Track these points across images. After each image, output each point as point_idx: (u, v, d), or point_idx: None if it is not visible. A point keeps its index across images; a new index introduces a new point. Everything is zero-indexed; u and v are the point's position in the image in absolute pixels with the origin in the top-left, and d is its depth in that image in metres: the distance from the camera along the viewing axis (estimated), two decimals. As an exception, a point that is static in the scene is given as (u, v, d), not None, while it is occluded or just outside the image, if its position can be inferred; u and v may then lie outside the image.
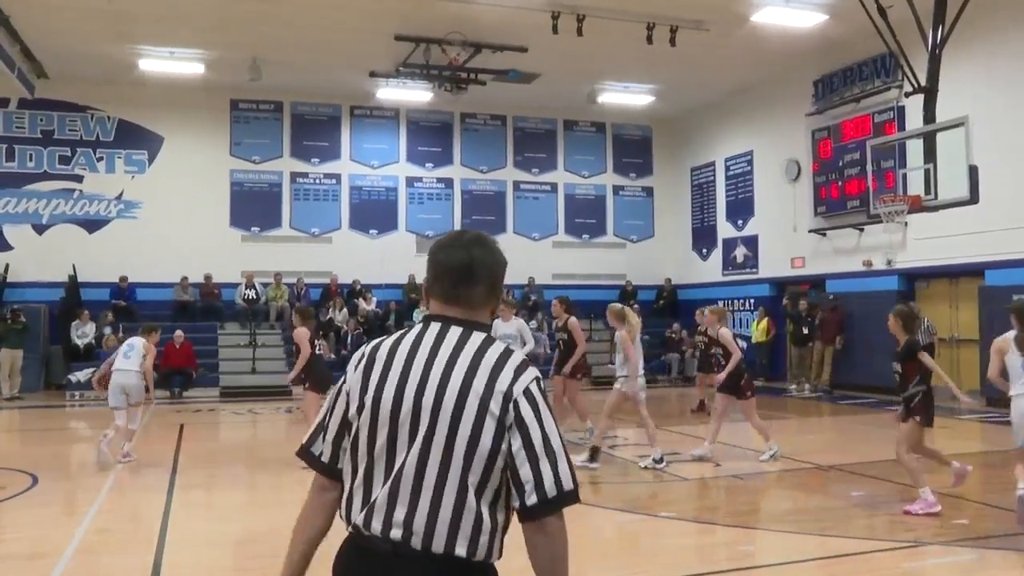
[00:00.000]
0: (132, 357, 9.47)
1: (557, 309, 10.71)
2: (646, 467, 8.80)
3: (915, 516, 6.64)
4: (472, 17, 14.86)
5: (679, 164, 22.99)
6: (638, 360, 8.80)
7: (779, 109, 19.06)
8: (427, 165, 21.57)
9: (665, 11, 14.64)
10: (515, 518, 1.96)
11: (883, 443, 10.17)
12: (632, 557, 6.00)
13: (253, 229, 20.20)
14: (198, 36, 16.15)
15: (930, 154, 11.44)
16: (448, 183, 21.68)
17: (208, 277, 19.21)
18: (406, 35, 15.82)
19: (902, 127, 15.23)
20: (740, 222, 20.76)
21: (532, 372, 1.97)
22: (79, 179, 19.19)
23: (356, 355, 2.10)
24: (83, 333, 17.50)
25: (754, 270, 20.24)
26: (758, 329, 18.73)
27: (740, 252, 20.70)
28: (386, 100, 20.42)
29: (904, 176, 12.44)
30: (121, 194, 19.41)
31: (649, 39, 15.07)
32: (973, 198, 10.81)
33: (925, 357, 6.95)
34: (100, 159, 19.33)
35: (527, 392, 1.93)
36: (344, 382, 2.08)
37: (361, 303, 19.38)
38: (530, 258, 21.24)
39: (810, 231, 18.14)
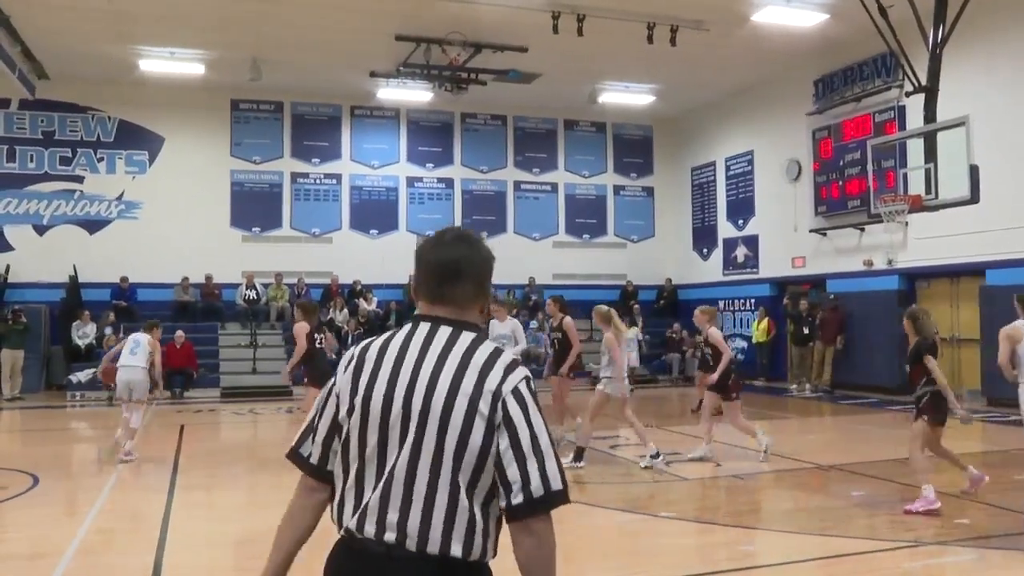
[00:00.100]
0: (138, 353, 9.48)
1: (552, 308, 10.66)
2: (646, 467, 8.82)
3: (916, 516, 6.64)
4: (472, 17, 14.85)
5: (679, 164, 22.98)
6: (623, 362, 8.90)
7: (780, 109, 19.05)
8: (427, 165, 21.56)
9: (665, 11, 14.63)
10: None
11: (884, 443, 10.21)
12: (632, 557, 6.00)
13: (254, 229, 20.20)
14: (198, 36, 16.16)
15: (931, 154, 11.44)
16: (448, 183, 21.68)
17: (209, 277, 19.24)
18: (406, 35, 15.82)
19: (903, 127, 15.21)
20: (741, 222, 20.75)
21: (522, 372, 1.97)
22: (80, 180, 19.20)
23: (346, 356, 2.09)
24: (84, 333, 17.50)
25: (755, 270, 20.23)
26: (759, 329, 18.74)
27: (741, 252, 20.68)
28: (386, 100, 20.42)
29: (905, 176, 12.44)
30: (122, 195, 19.42)
31: (649, 39, 15.07)
32: (974, 198, 10.80)
33: (930, 362, 6.94)
34: (101, 160, 19.33)
35: (516, 391, 1.92)
36: (334, 384, 2.07)
37: (362, 303, 19.38)
38: (530, 258, 21.30)
39: (811, 231, 18.12)
